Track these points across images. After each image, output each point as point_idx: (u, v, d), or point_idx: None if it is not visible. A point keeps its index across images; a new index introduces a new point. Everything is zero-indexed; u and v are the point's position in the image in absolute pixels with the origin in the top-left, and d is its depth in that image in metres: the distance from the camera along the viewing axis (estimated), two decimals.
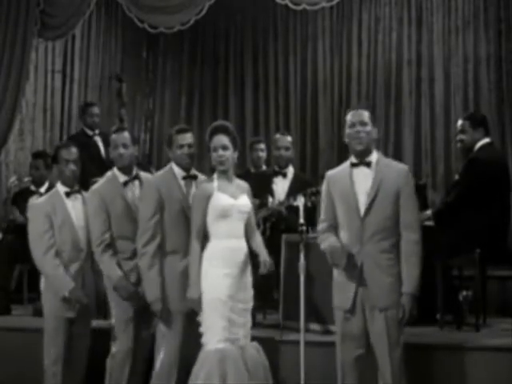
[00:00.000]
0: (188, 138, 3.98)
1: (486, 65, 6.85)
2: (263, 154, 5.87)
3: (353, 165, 3.56)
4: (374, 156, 3.55)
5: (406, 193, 3.46)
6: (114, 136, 4.10)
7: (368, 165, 3.51)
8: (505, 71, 6.70)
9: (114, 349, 3.95)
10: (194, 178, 4.00)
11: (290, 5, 6.61)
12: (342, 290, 3.49)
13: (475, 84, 6.90)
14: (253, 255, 3.88)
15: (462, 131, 4.65)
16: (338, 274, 3.55)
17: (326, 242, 3.51)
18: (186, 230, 3.82)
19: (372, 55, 7.42)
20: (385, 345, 3.38)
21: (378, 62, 7.38)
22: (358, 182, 3.50)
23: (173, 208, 3.87)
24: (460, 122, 4.71)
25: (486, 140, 4.59)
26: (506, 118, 6.65)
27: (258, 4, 7.67)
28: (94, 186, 4.09)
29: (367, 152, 3.54)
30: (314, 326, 4.28)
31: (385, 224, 3.42)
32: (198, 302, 3.67)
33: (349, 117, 3.58)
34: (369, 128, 3.52)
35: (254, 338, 3.82)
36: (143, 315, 3.97)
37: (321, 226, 3.63)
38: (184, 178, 3.96)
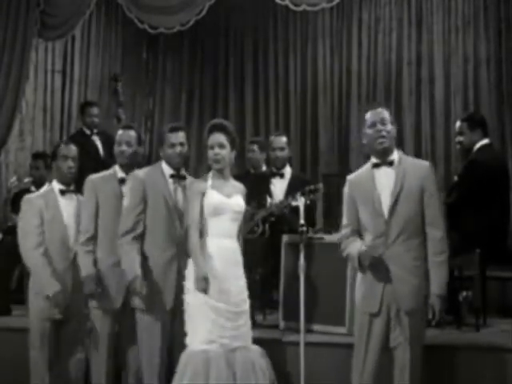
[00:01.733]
0: (180, 137, 3.94)
1: (486, 65, 6.84)
2: (254, 155, 5.81)
3: (374, 165, 3.49)
4: (396, 155, 3.50)
5: (430, 190, 3.42)
6: (120, 132, 4.11)
7: (390, 164, 3.46)
8: (505, 71, 6.69)
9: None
10: (183, 178, 3.97)
11: (290, 5, 6.61)
12: (369, 294, 3.44)
13: (475, 84, 6.90)
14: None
15: (460, 133, 4.65)
16: (361, 279, 3.50)
17: (352, 245, 3.47)
18: (167, 224, 3.81)
19: (372, 55, 7.42)
20: (407, 347, 3.36)
21: (378, 63, 7.38)
22: (381, 182, 3.44)
23: (156, 202, 3.85)
24: (458, 124, 4.72)
25: (485, 141, 4.59)
26: (506, 119, 6.64)
27: (258, 4, 7.67)
28: (91, 176, 4.09)
29: (389, 151, 3.48)
30: (314, 327, 4.27)
31: (410, 223, 3.38)
32: (207, 282, 3.55)
33: (368, 116, 3.50)
34: (390, 127, 3.47)
35: (254, 339, 3.81)
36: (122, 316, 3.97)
37: (344, 231, 3.57)
38: (172, 177, 3.93)
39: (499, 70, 6.76)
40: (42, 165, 5.70)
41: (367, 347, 3.43)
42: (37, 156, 5.87)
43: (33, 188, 5.71)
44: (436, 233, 3.40)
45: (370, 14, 7.42)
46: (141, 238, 3.83)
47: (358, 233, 3.52)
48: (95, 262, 3.95)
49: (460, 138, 4.66)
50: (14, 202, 5.75)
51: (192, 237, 3.68)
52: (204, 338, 3.59)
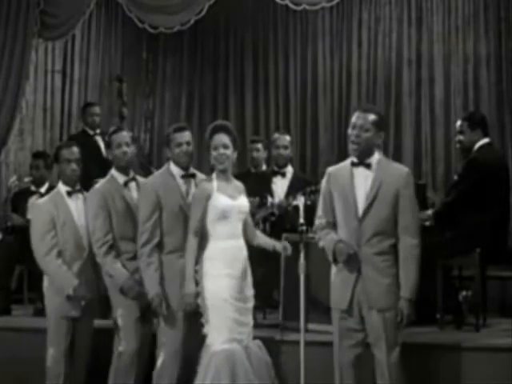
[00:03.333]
0: (186, 136, 3.97)
1: (485, 65, 6.85)
2: (258, 154, 5.84)
3: (353, 164, 3.53)
4: (375, 157, 3.51)
5: (406, 195, 3.43)
6: (114, 136, 4.12)
7: (368, 166, 3.49)
8: (505, 71, 6.70)
9: (120, 348, 3.95)
10: (193, 176, 3.99)
11: (290, 5, 6.62)
12: (339, 291, 3.49)
13: (475, 84, 6.90)
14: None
15: (461, 132, 4.66)
16: (335, 275, 3.54)
17: (328, 237, 3.50)
18: (185, 228, 3.82)
19: (372, 55, 7.42)
20: (382, 345, 3.38)
21: (378, 62, 7.38)
22: (358, 182, 3.47)
23: (171, 208, 3.86)
24: (458, 123, 4.72)
25: (485, 140, 4.59)
26: (506, 118, 6.65)
27: (258, 4, 7.67)
28: (95, 187, 4.11)
29: (366, 154, 3.50)
30: (314, 326, 4.27)
31: (383, 226, 3.40)
32: (194, 296, 3.68)
33: (353, 117, 3.53)
34: (369, 134, 3.46)
35: (254, 338, 3.84)
36: (145, 315, 3.98)
37: (318, 221, 3.60)
38: (182, 177, 3.96)
39: (499, 69, 6.77)
40: (42, 164, 5.71)
41: (340, 344, 3.48)
42: (37, 156, 5.87)
43: (33, 188, 5.72)
44: (408, 239, 3.41)
45: (370, 13, 7.42)
46: (159, 246, 3.85)
47: (333, 225, 3.54)
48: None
49: (460, 137, 4.66)
50: (14, 202, 5.75)
51: (189, 241, 3.74)
52: (226, 337, 3.64)
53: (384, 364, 3.38)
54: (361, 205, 3.43)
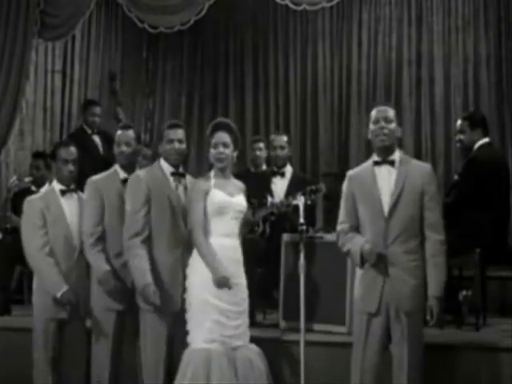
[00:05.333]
0: (179, 133, 3.92)
1: (485, 65, 6.85)
2: (261, 153, 5.84)
3: (376, 163, 3.49)
4: (397, 154, 3.49)
5: (430, 192, 3.41)
6: (119, 132, 4.09)
7: (391, 163, 3.45)
8: (505, 71, 6.71)
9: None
10: (182, 175, 3.95)
11: (291, 5, 6.62)
12: (367, 294, 3.43)
13: (475, 84, 6.91)
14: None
15: (461, 131, 4.66)
16: (361, 278, 3.48)
17: (354, 241, 3.44)
18: (173, 224, 3.78)
19: (372, 55, 7.42)
20: (405, 348, 3.35)
21: (378, 62, 7.39)
22: (382, 181, 3.43)
23: (160, 202, 3.82)
24: (459, 122, 4.72)
25: (485, 140, 4.59)
26: (506, 118, 6.65)
27: (258, 4, 7.68)
28: (93, 177, 4.06)
29: (390, 150, 3.47)
30: (314, 326, 4.27)
31: (409, 224, 3.37)
32: (227, 279, 3.57)
33: (373, 112, 3.50)
34: (393, 125, 3.46)
35: (254, 338, 3.81)
36: (126, 310, 3.94)
37: (341, 227, 3.53)
38: (172, 175, 3.92)
39: (499, 69, 6.77)
40: (43, 164, 5.70)
41: (365, 347, 3.42)
42: (37, 156, 5.87)
43: (33, 188, 5.70)
44: (435, 236, 3.39)
45: (370, 14, 7.43)
46: (148, 240, 3.80)
47: (356, 229, 3.50)
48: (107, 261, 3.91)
49: (460, 137, 4.66)
50: (15, 202, 5.74)
51: (198, 238, 3.66)
52: (205, 337, 3.59)
53: (404, 367, 3.35)
54: (386, 203, 3.38)
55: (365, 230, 3.46)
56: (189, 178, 3.97)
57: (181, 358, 3.63)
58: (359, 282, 3.50)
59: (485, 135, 4.60)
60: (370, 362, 3.41)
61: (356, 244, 3.41)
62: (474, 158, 4.51)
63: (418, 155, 7.08)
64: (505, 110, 6.67)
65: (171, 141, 3.89)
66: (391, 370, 3.43)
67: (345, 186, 3.58)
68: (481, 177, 4.38)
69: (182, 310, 3.71)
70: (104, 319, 3.93)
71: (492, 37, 6.83)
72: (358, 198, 3.48)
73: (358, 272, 3.51)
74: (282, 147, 5.15)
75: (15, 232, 5.37)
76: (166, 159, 3.92)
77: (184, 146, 3.94)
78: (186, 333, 3.67)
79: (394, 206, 3.37)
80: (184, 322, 3.69)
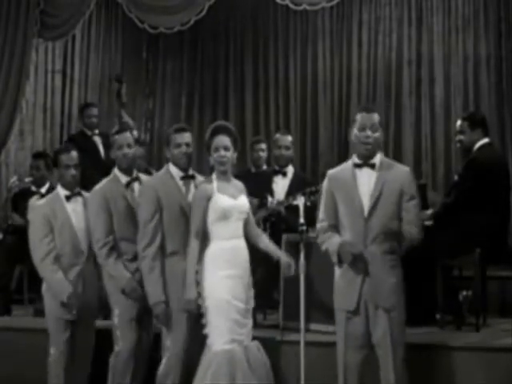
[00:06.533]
0: (186, 137, 3.96)
1: (485, 65, 6.84)
2: (263, 154, 5.87)
3: (356, 165, 3.53)
4: (378, 158, 3.53)
5: (409, 194, 3.47)
6: (116, 136, 4.09)
7: (372, 166, 3.50)
8: (505, 71, 6.70)
9: (116, 348, 3.95)
10: (192, 178, 3.98)
11: (291, 5, 6.61)
12: (345, 292, 3.48)
13: (475, 84, 6.90)
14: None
15: (461, 132, 4.66)
16: (340, 276, 3.53)
17: (331, 240, 3.49)
18: (186, 230, 3.81)
19: (372, 55, 7.41)
20: (388, 346, 3.38)
21: (378, 62, 7.37)
22: (362, 183, 3.49)
23: (172, 209, 3.85)
24: (459, 123, 4.73)
25: (485, 140, 4.59)
26: (506, 118, 6.64)
27: (258, 4, 7.67)
28: (96, 187, 4.08)
29: (373, 154, 3.52)
30: (314, 326, 4.28)
31: (388, 225, 3.43)
32: (195, 302, 3.67)
33: (359, 118, 3.52)
34: (378, 133, 3.51)
35: (254, 338, 3.83)
36: (144, 316, 3.98)
37: (320, 225, 3.61)
38: (182, 178, 3.94)
39: (499, 69, 6.76)
40: (43, 165, 5.70)
41: (347, 345, 3.46)
42: (37, 156, 5.87)
43: (33, 188, 5.71)
44: (412, 227, 3.45)
45: (370, 14, 7.41)
46: (161, 248, 3.83)
47: (335, 228, 3.55)
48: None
49: (460, 137, 4.66)
50: (15, 202, 5.75)
51: (191, 244, 3.73)
52: (226, 338, 3.64)
53: (389, 365, 3.37)
54: (366, 204, 3.44)
55: (344, 230, 3.51)
56: (198, 179, 3.99)
57: (199, 361, 3.68)
58: (338, 279, 3.55)
59: (485, 135, 4.61)
60: (352, 360, 3.46)
61: (333, 244, 3.47)
62: (474, 159, 4.51)
63: (417, 155, 7.10)
64: (505, 110, 6.66)
65: (179, 145, 3.92)
66: (376, 369, 3.45)
67: (325, 184, 3.63)
68: (481, 177, 4.38)
69: (198, 315, 3.73)
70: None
71: (492, 37, 6.82)
72: (337, 198, 3.54)
73: (337, 270, 3.55)
74: (287, 147, 5.16)
75: (16, 232, 5.39)
76: (175, 164, 3.95)
77: (191, 149, 3.97)
78: (204, 336, 3.70)
79: (373, 207, 3.43)
80: (202, 325, 3.72)
